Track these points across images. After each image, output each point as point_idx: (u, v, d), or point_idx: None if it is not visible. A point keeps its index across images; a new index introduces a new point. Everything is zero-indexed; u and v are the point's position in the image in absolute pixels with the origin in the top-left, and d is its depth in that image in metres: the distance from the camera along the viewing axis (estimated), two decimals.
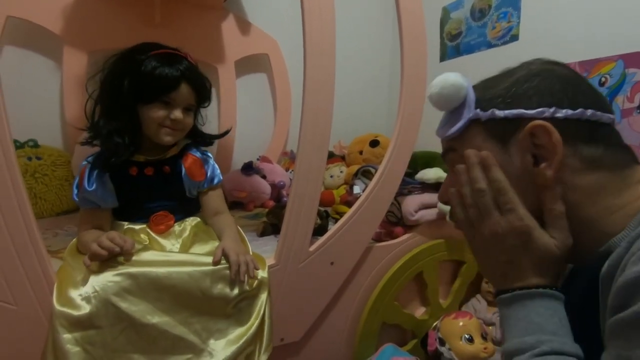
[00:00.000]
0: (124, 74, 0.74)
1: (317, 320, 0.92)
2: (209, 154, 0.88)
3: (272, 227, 1.10)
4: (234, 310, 0.69)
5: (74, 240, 0.75)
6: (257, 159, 1.56)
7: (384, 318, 0.99)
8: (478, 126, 0.45)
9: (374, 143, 1.66)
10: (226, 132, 0.96)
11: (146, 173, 0.78)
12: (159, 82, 0.73)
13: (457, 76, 0.46)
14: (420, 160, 1.13)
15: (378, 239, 1.03)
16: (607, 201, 0.39)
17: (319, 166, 0.82)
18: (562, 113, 0.40)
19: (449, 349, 0.95)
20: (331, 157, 1.68)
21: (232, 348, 0.66)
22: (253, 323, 0.70)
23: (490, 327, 1.03)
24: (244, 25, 1.59)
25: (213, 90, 1.45)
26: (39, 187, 1.14)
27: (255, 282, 0.71)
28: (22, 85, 1.25)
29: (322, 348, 0.96)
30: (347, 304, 0.97)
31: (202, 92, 0.82)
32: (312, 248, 0.86)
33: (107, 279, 0.61)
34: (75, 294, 0.60)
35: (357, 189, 1.20)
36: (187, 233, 0.80)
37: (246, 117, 1.66)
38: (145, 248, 0.70)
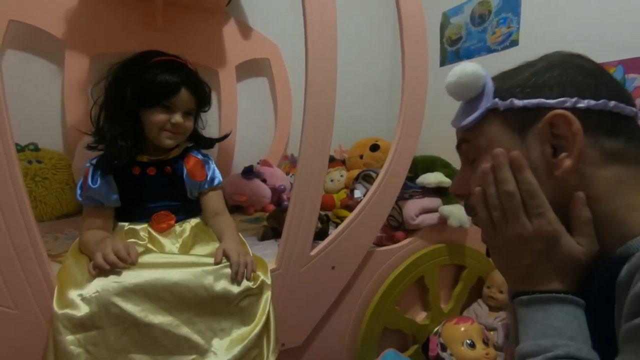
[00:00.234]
0: (127, 80, 0.77)
1: (318, 325, 0.92)
2: (210, 157, 0.91)
3: (272, 231, 1.10)
4: (237, 309, 0.69)
5: (77, 240, 0.76)
6: (258, 163, 1.56)
7: (386, 323, 0.99)
8: (495, 116, 0.44)
9: (375, 147, 1.66)
10: (226, 136, 0.98)
11: (149, 173, 0.81)
12: (160, 88, 0.77)
13: (476, 66, 0.45)
14: (420, 165, 1.13)
15: (379, 243, 1.03)
16: (628, 197, 0.38)
17: (320, 170, 0.82)
18: (584, 103, 0.39)
19: (451, 355, 0.95)
20: (331, 161, 1.68)
21: (237, 348, 0.66)
22: (257, 323, 0.70)
23: (492, 333, 1.03)
24: (245, 30, 1.60)
25: (214, 94, 1.46)
26: (39, 190, 1.14)
27: (258, 281, 0.71)
28: (23, 88, 1.25)
29: (323, 353, 0.96)
30: (348, 309, 0.96)
31: (202, 97, 0.85)
32: (313, 252, 0.86)
33: (110, 279, 0.61)
34: (76, 294, 0.59)
35: (357, 193, 1.20)
36: (187, 233, 0.82)
37: (247, 121, 1.66)
38: (147, 251, 0.71)
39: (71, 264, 0.68)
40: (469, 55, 1.67)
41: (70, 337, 0.58)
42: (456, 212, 1.02)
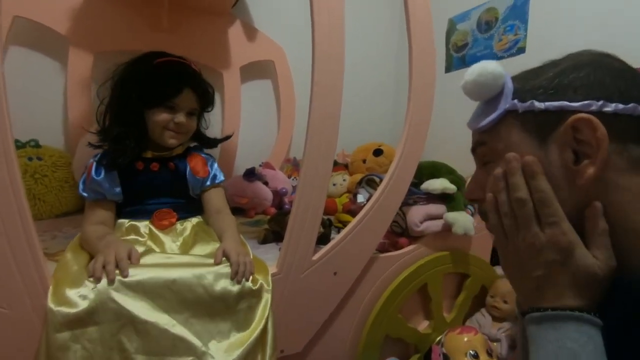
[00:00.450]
0: (132, 81, 0.79)
1: (318, 332, 0.90)
2: (213, 157, 0.93)
3: (273, 234, 1.09)
4: (236, 312, 0.68)
5: (77, 236, 0.76)
6: (260, 165, 1.55)
7: (387, 331, 0.97)
8: (514, 118, 0.41)
9: (378, 152, 1.65)
10: (229, 137, 1.01)
11: (152, 168, 0.82)
12: (164, 89, 0.79)
13: (496, 64, 0.43)
14: (425, 171, 1.12)
15: (382, 249, 1.01)
16: None
17: (324, 173, 0.80)
18: (611, 107, 0.36)
19: None
20: (334, 165, 1.66)
21: (236, 352, 0.64)
22: (256, 328, 0.68)
23: (495, 344, 1.01)
24: (251, 32, 1.59)
25: (217, 96, 1.46)
26: (38, 188, 1.13)
27: (257, 284, 0.70)
28: (26, 85, 1.24)
29: None
30: (350, 316, 0.94)
31: (205, 98, 0.87)
32: (315, 257, 0.84)
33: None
34: (73, 292, 0.58)
35: (360, 198, 1.18)
36: (188, 232, 0.82)
37: (250, 123, 1.65)
38: (148, 251, 0.70)
39: (69, 260, 0.67)
40: (474, 61, 1.64)
41: (66, 334, 0.57)
42: (461, 220, 1.01)
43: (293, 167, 1.67)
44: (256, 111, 1.69)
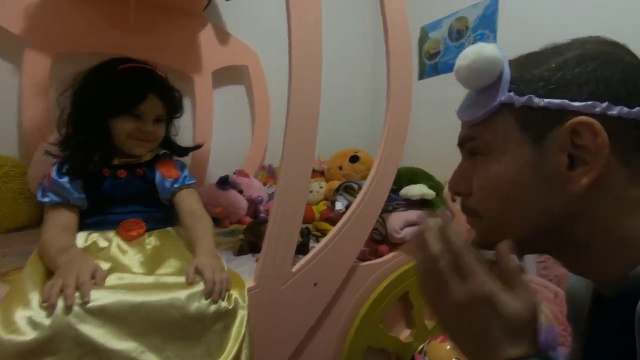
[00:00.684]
0: (93, 89, 0.76)
1: (299, 345, 0.86)
2: (184, 163, 0.89)
3: (249, 245, 1.04)
4: (211, 332, 0.62)
5: (36, 251, 0.68)
6: (234, 173, 1.49)
7: (370, 342, 0.94)
8: (510, 112, 0.37)
9: (354, 158, 1.64)
10: (199, 146, 0.98)
11: (119, 175, 0.78)
12: (128, 96, 0.76)
13: (493, 47, 0.38)
14: (403, 177, 1.11)
15: (362, 257, 0.99)
16: None
17: (303, 179, 0.77)
18: (615, 110, 0.33)
19: None
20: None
21: None
22: (231, 350, 0.63)
23: None
24: (223, 36, 1.55)
25: (188, 101, 1.40)
26: None
27: (232, 301, 0.65)
28: None
29: None
30: (331, 328, 0.91)
31: (172, 103, 0.85)
32: (294, 269, 0.80)
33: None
34: (24, 316, 0.51)
35: (339, 205, 1.16)
36: (158, 244, 0.77)
37: (223, 129, 1.60)
38: (114, 269, 0.64)
39: (26, 278, 0.60)
40: (447, 69, 1.69)
41: None
42: None
43: (268, 174, 1.63)
44: (229, 117, 1.64)
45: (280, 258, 0.77)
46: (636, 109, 0.33)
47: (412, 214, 1.03)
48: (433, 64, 1.76)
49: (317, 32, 0.75)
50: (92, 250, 0.72)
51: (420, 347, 0.99)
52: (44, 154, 0.78)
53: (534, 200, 0.37)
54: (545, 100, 0.35)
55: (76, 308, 0.53)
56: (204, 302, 0.62)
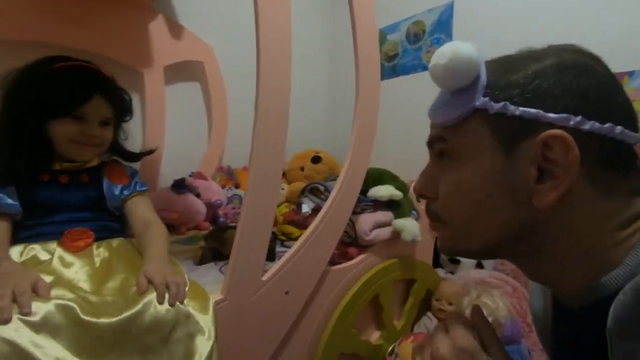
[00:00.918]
0: (26, 89, 0.70)
1: (271, 356, 0.81)
2: (134, 169, 0.83)
3: (211, 252, 0.97)
4: (173, 343, 0.56)
5: None
6: (190, 175, 1.40)
7: (342, 348, 0.91)
8: (483, 118, 0.36)
9: (316, 159, 1.61)
10: (152, 151, 0.92)
11: (60, 181, 0.73)
12: (69, 95, 0.70)
13: (470, 46, 0.36)
14: (370, 178, 1.10)
15: (332, 261, 0.96)
16: (615, 235, 0.33)
17: (274, 180, 0.73)
18: (587, 125, 0.32)
19: None
20: None
21: None
22: None
23: None
24: (176, 29, 1.44)
25: (137, 97, 1.28)
26: None
27: (191, 319, 0.58)
28: None
29: None
30: (303, 335, 0.87)
31: (119, 105, 0.79)
32: (265, 277, 0.75)
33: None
34: None
35: (305, 208, 1.12)
36: (106, 256, 0.70)
37: (176, 129, 1.49)
38: (57, 282, 0.58)
39: None
40: (405, 71, 1.73)
41: None
42: (408, 226, 1.00)
43: (227, 176, 1.55)
44: (184, 116, 1.54)
45: (251, 268, 0.72)
46: (607, 125, 0.33)
47: (380, 215, 1.02)
48: (392, 65, 1.78)
49: (287, 27, 0.71)
50: (29, 264, 0.63)
51: (390, 348, 0.98)
52: None
53: (500, 210, 0.36)
54: (520, 109, 0.34)
55: (14, 322, 0.46)
56: (160, 309, 0.55)
